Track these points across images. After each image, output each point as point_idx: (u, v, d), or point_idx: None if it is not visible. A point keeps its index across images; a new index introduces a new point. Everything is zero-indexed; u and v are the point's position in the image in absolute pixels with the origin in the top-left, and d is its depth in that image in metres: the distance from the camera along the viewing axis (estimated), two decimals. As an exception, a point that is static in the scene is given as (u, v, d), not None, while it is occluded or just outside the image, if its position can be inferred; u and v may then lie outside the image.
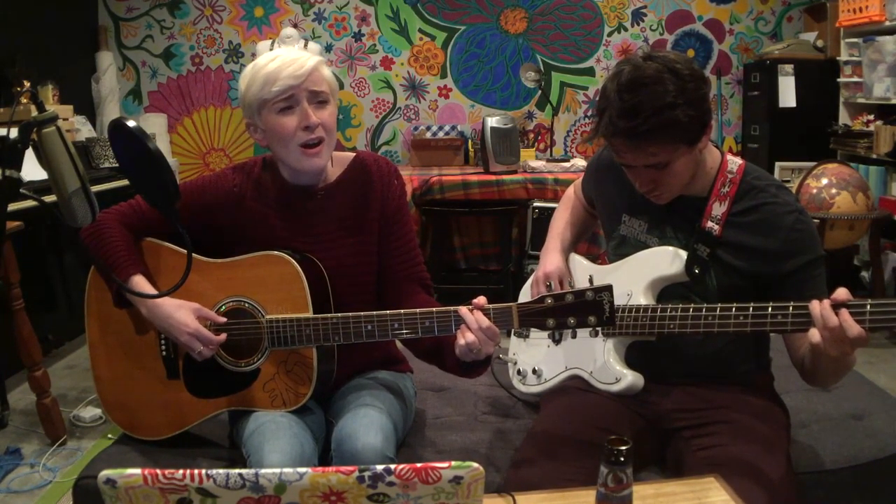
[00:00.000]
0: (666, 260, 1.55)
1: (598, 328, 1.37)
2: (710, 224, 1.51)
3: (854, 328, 1.23)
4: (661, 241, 1.59)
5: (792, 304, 1.33)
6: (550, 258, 1.75)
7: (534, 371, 1.76)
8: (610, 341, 1.58)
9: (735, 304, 1.39)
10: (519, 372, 1.81)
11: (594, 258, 1.79)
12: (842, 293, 1.27)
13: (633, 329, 1.52)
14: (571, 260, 1.79)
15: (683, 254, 1.53)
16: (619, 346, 1.58)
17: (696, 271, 1.51)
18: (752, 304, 1.38)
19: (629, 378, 1.55)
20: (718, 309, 1.41)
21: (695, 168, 1.50)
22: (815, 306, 1.27)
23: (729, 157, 1.55)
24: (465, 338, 1.41)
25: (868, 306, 1.23)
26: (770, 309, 1.35)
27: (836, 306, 1.26)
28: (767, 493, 1.33)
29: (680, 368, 1.58)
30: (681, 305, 1.46)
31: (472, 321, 1.41)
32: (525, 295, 1.84)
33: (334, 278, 1.60)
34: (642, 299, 1.54)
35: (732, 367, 1.58)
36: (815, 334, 1.27)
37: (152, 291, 1.56)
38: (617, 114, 1.40)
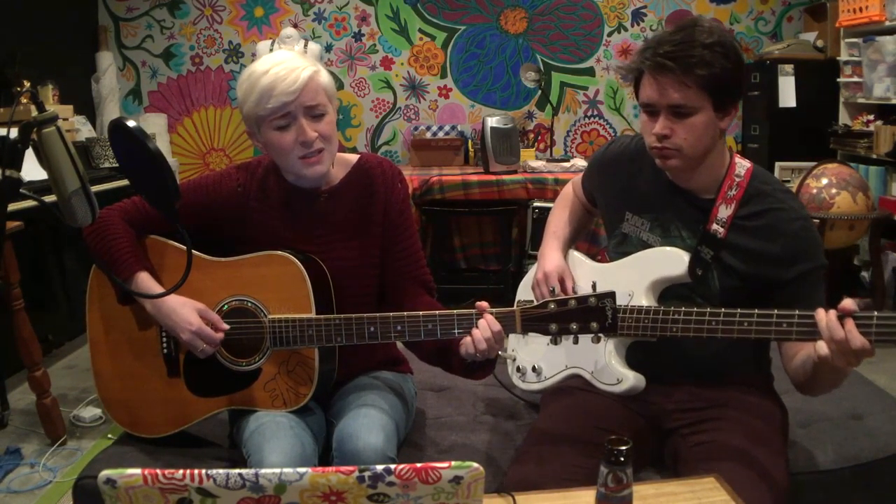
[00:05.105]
0: (669, 261, 1.54)
1: (599, 334, 1.37)
2: (715, 227, 1.51)
3: (858, 339, 1.21)
4: (664, 239, 1.58)
5: (797, 312, 1.31)
6: (549, 257, 1.72)
7: (533, 369, 1.75)
8: (611, 342, 1.57)
9: (739, 310, 1.37)
10: (518, 369, 1.80)
11: (593, 257, 1.78)
12: (848, 304, 1.25)
13: (634, 331, 1.51)
14: (570, 257, 1.76)
15: (686, 255, 1.52)
16: (619, 346, 1.58)
17: (699, 273, 1.51)
18: (756, 311, 1.35)
19: (631, 380, 1.54)
20: (722, 314, 1.39)
21: (709, 144, 1.48)
22: (822, 316, 1.26)
23: (738, 159, 1.55)
24: (475, 342, 1.42)
25: (874, 319, 1.21)
26: (775, 317, 1.33)
27: (842, 317, 1.24)
28: (760, 483, 1.34)
29: (680, 369, 1.58)
30: (684, 308, 1.45)
31: (485, 326, 1.42)
32: (524, 292, 1.82)
33: (337, 280, 1.60)
34: (644, 300, 1.54)
35: (732, 367, 1.58)
36: (822, 347, 1.25)
37: (156, 288, 1.57)
38: (663, 43, 1.43)
